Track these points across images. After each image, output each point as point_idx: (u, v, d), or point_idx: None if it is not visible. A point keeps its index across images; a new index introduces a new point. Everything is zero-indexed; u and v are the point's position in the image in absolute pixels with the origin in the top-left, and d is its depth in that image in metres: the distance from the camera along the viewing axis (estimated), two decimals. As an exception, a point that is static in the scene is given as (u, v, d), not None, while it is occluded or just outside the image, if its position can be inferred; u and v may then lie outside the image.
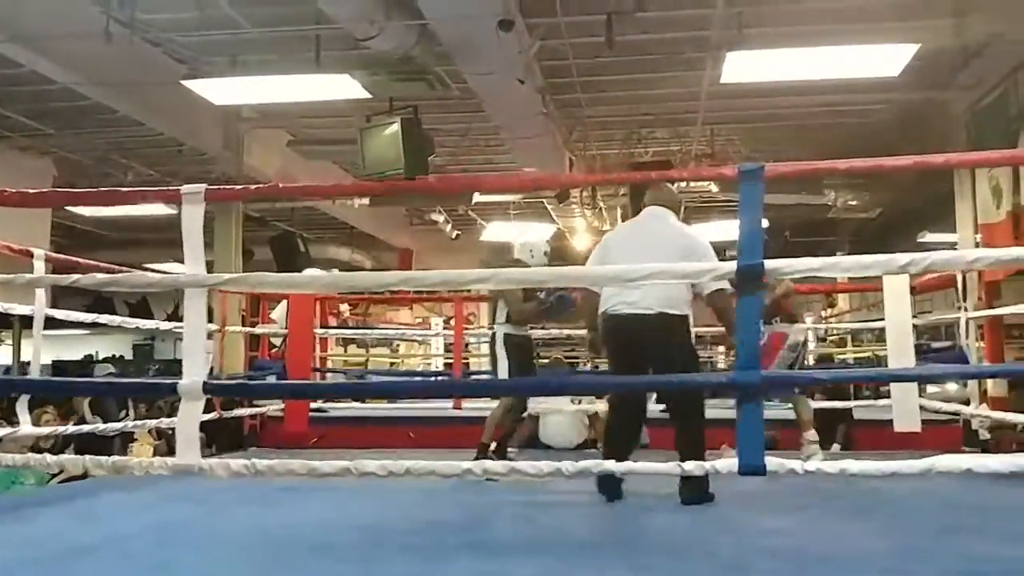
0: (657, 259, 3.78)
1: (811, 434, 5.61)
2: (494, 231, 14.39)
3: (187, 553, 3.28)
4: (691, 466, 2.98)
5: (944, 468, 2.88)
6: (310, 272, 3.49)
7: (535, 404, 7.49)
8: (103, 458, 3.33)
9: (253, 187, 3.27)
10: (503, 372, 5.68)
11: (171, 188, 3.27)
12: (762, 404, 2.90)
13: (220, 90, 7.77)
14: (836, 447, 7.04)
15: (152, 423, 6.09)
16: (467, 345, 12.27)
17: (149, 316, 14.19)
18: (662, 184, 4.77)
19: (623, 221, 11.55)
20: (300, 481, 4.43)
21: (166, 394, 3.62)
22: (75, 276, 3.51)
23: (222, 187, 3.72)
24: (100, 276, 3.57)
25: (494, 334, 5.74)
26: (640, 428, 4.68)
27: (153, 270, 11.42)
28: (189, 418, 3.20)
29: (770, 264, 2.92)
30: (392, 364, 14.30)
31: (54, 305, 4.88)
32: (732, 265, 2.96)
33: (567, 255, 14.35)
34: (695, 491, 4.17)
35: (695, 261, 4.04)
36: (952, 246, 9.26)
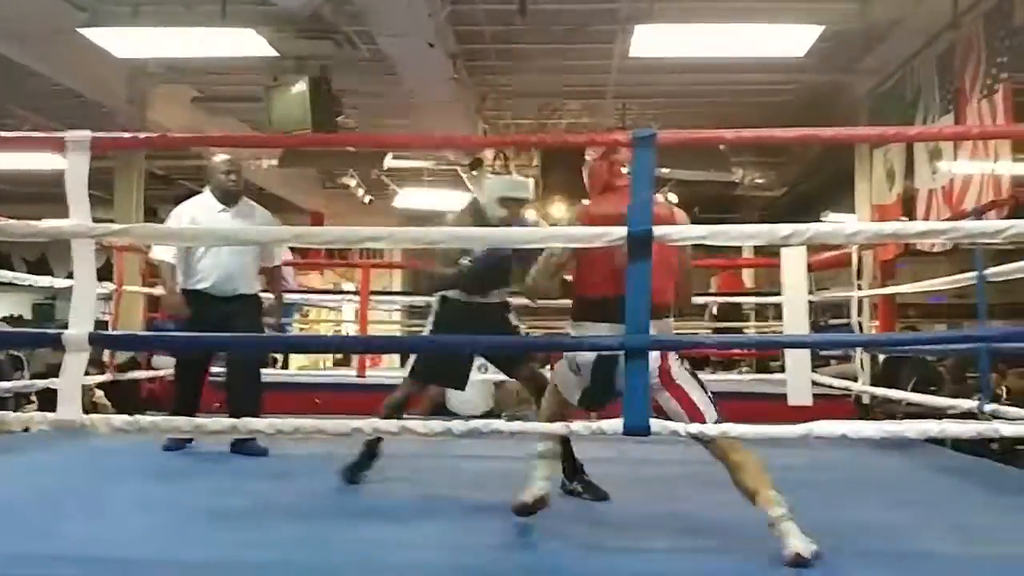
0: None
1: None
2: (407, 197, 14.28)
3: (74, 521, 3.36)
4: (577, 426, 3.02)
5: (821, 433, 2.99)
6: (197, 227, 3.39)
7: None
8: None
9: (143, 136, 3.16)
10: None
11: (55, 135, 3.09)
12: (647, 367, 2.94)
13: (122, 42, 7.50)
14: None
15: (42, 383, 5.85)
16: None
17: (49, 274, 13.68)
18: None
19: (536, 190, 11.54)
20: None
21: (49, 344, 3.48)
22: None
23: (111, 135, 3.54)
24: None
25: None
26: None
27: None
28: (72, 371, 3.09)
29: (659, 231, 2.95)
30: (301, 330, 14.11)
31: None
32: (623, 231, 2.97)
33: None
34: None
35: None
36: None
